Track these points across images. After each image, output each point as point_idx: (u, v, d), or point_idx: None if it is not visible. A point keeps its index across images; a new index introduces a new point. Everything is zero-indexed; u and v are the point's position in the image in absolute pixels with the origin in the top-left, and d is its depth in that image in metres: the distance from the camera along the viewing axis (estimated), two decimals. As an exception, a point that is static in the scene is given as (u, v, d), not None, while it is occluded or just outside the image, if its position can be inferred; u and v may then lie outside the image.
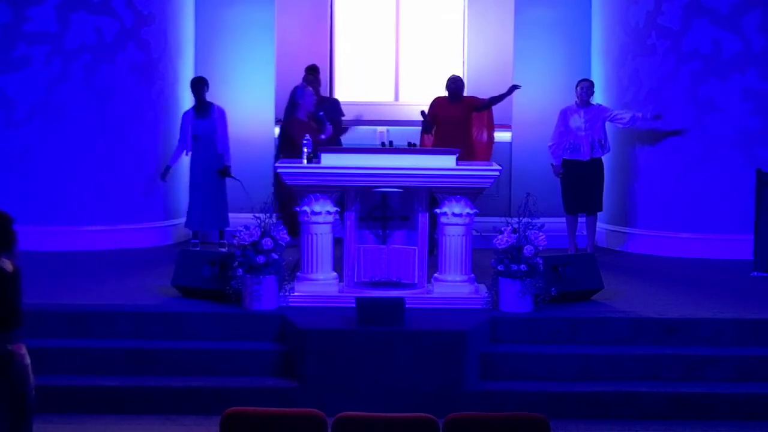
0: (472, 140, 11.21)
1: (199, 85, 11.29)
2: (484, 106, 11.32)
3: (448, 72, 11.80)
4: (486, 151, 11.36)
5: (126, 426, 7.54)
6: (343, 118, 11.70)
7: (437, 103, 11.20)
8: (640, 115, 11.31)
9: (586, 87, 11.17)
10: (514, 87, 11.25)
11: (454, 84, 11.21)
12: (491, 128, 11.48)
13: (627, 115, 11.29)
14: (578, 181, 11.12)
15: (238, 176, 11.85)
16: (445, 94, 11.23)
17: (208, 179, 11.28)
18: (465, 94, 11.48)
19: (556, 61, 12.44)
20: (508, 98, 11.48)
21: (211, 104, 11.32)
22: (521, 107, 12.36)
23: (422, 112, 11.06)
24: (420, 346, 7.91)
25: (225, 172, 11.24)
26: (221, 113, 11.32)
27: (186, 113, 11.36)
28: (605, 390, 7.94)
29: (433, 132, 11.18)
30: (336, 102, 11.63)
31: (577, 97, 11.19)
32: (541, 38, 12.48)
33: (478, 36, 13.23)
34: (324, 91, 12.28)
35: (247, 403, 7.41)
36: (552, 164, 11.26)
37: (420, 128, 11.35)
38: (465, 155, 10.08)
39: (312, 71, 11.85)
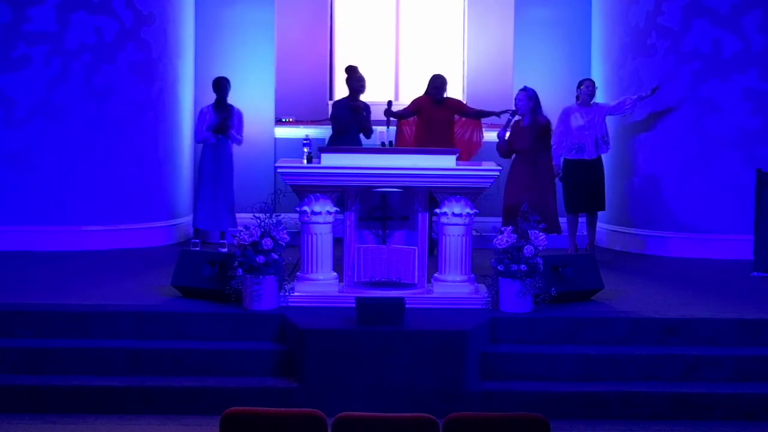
0: (454, 141, 11.21)
1: (224, 85, 11.44)
2: (470, 115, 11.33)
3: (448, 72, 11.79)
4: (466, 150, 11.33)
5: (126, 426, 7.54)
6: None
7: (420, 103, 11.19)
8: (635, 97, 11.28)
9: (589, 86, 11.17)
10: (511, 111, 11.17)
11: (438, 89, 11.16)
12: (477, 129, 11.47)
13: (628, 101, 11.25)
14: (583, 181, 11.09)
15: (239, 177, 11.87)
16: (422, 93, 11.24)
17: (220, 179, 11.34)
18: (463, 95, 11.50)
19: (556, 61, 12.44)
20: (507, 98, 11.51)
21: (231, 106, 11.44)
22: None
23: (389, 102, 11.10)
24: (420, 346, 7.91)
25: (224, 123, 11.30)
26: (239, 115, 11.47)
27: (205, 109, 11.44)
28: (605, 390, 7.94)
29: (404, 120, 11.23)
30: (368, 106, 11.50)
31: (578, 97, 11.19)
32: (541, 38, 12.49)
33: (478, 36, 13.23)
34: (324, 91, 12.26)
35: (247, 403, 7.41)
36: (553, 164, 11.26)
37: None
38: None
39: (348, 71, 11.69)
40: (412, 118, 11.29)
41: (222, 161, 11.42)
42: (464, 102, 11.84)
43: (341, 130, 11.22)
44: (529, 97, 10.39)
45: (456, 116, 11.30)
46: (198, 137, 11.55)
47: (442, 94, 11.18)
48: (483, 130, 11.48)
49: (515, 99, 10.60)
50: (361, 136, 11.34)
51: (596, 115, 11.14)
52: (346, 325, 8.11)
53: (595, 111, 11.16)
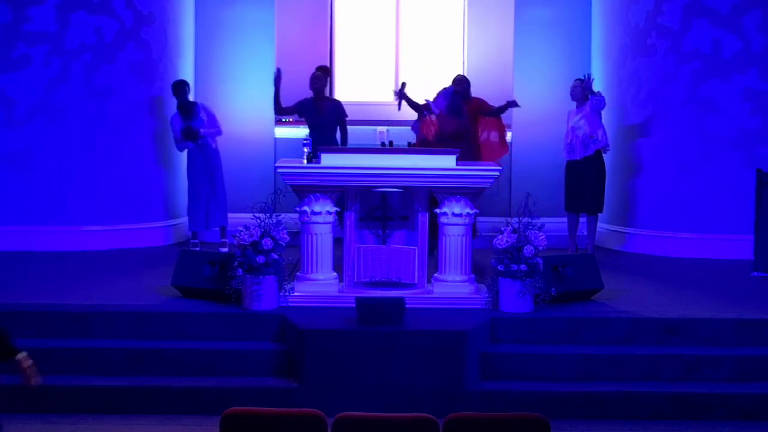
0: (479, 141, 11.21)
1: (182, 87, 11.32)
2: (492, 113, 11.33)
3: (448, 72, 11.80)
4: (495, 151, 11.30)
5: (126, 426, 7.54)
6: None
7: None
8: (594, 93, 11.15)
9: (574, 87, 11.16)
10: (513, 104, 11.28)
11: (462, 85, 11.18)
12: (502, 129, 11.47)
13: (592, 97, 11.14)
14: (576, 181, 11.11)
15: (239, 177, 11.86)
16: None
17: (208, 179, 11.31)
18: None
19: (556, 61, 12.44)
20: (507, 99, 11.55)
21: (195, 104, 11.35)
22: (521, 107, 12.36)
23: (403, 84, 11.11)
24: (420, 346, 7.91)
25: (189, 131, 11.22)
26: (206, 110, 11.36)
27: (173, 118, 11.36)
28: (605, 390, 7.94)
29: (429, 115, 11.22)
30: (339, 103, 11.61)
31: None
32: (541, 38, 12.49)
33: (478, 36, 13.23)
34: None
35: (247, 403, 7.41)
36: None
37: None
38: (472, 156, 10.06)
39: (322, 70, 11.82)
40: (435, 118, 11.27)
41: (210, 161, 11.36)
42: (486, 101, 11.80)
43: (311, 126, 11.28)
44: (444, 96, 10.28)
45: (481, 117, 11.28)
46: (178, 147, 11.46)
47: (465, 93, 11.17)
48: (506, 129, 11.50)
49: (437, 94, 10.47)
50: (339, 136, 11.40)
51: (587, 114, 11.11)
52: (346, 325, 8.11)
53: (581, 111, 11.14)
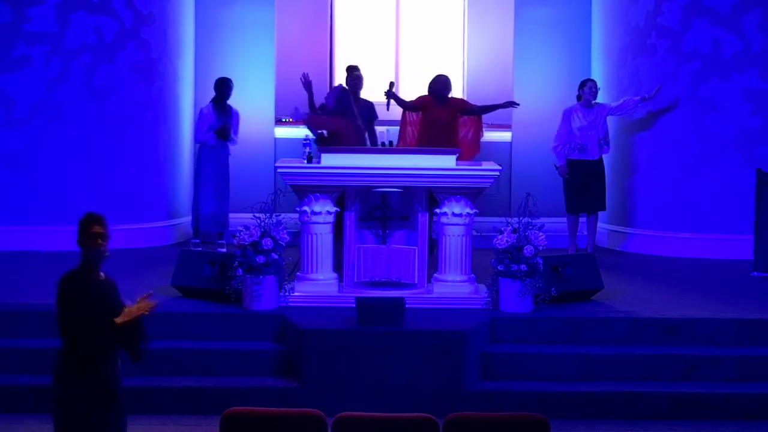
0: (457, 141, 11.17)
1: (228, 85, 11.37)
2: (475, 112, 11.28)
3: (448, 72, 11.78)
4: (470, 150, 11.29)
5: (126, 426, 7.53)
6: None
7: (424, 101, 11.15)
8: (638, 98, 11.30)
9: (592, 87, 11.16)
10: (512, 103, 11.28)
11: (445, 86, 11.13)
12: (479, 128, 11.43)
13: (630, 102, 11.27)
14: (585, 181, 11.10)
15: (239, 177, 11.86)
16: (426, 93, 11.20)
17: (219, 180, 11.33)
18: (463, 94, 11.47)
19: (556, 61, 12.44)
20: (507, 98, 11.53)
21: (230, 107, 11.41)
22: (521, 107, 12.33)
23: (391, 83, 11.07)
24: (420, 346, 7.91)
25: (225, 129, 11.26)
26: (238, 116, 11.44)
27: (206, 109, 11.36)
28: (605, 390, 7.95)
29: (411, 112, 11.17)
30: (372, 105, 11.50)
31: (580, 97, 11.18)
32: (541, 38, 12.48)
33: (478, 36, 13.23)
34: (324, 91, 12.26)
35: (247, 403, 7.41)
36: (556, 165, 11.24)
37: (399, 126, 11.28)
38: None
39: (357, 70, 11.76)
40: (417, 117, 11.24)
41: (221, 163, 11.40)
42: (467, 101, 11.80)
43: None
44: (333, 93, 10.21)
45: (461, 116, 11.25)
46: (198, 138, 11.50)
47: (446, 93, 11.16)
48: (483, 129, 11.47)
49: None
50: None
51: (598, 116, 11.15)
52: (346, 325, 8.12)
53: (597, 111, 11.16)
